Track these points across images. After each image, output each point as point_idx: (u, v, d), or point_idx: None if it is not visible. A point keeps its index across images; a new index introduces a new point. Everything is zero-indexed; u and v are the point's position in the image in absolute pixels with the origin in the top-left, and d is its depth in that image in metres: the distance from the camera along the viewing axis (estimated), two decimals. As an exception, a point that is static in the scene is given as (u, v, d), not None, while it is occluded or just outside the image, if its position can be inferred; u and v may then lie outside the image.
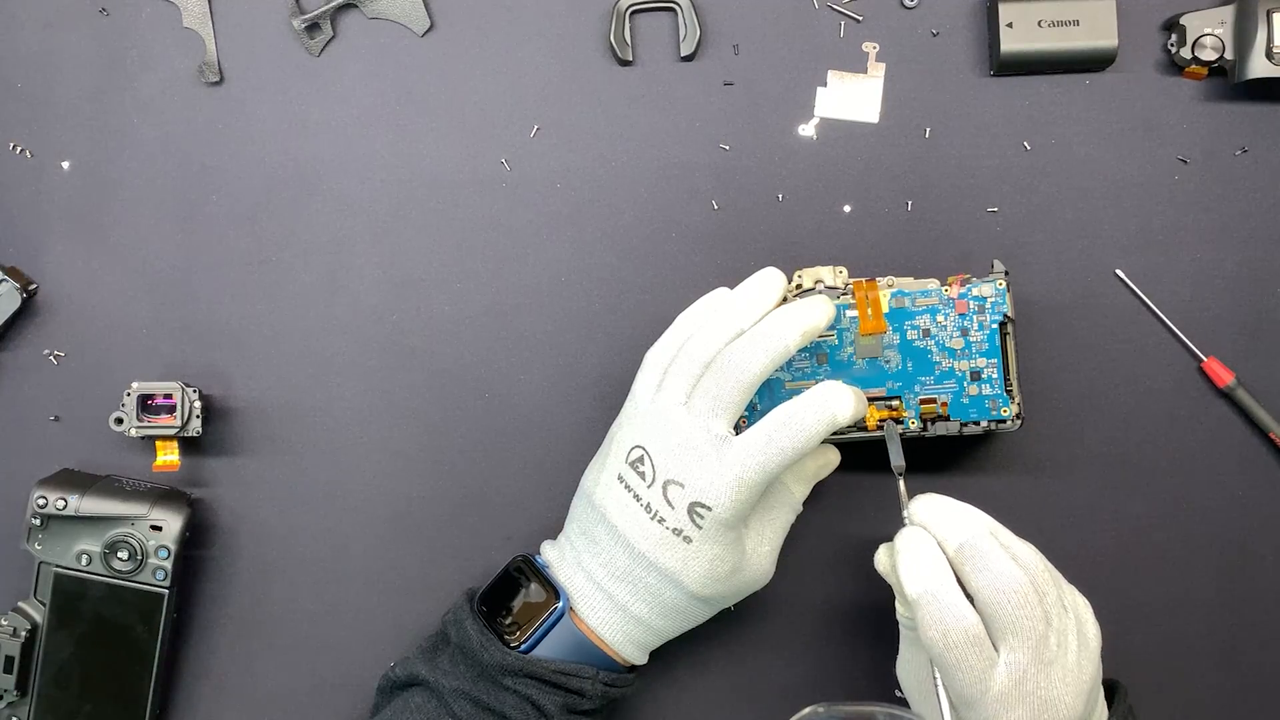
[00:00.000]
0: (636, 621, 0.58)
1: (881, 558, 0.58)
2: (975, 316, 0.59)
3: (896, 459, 0.58)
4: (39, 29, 0.68)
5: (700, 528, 0.55)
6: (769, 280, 0.58)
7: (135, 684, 0.65)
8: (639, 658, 0.60)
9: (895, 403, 0.60)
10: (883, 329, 0.60)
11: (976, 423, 0.60)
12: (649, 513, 0.56)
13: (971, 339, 0.59)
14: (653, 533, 0.56)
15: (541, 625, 0.58)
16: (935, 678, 0.54)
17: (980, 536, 0.54)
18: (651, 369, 0.59)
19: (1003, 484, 0.66)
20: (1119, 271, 0.66)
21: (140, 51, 0.68)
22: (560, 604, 0.58)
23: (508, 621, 0.59)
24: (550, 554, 0.61)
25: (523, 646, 0.58)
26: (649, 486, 0.56)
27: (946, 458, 0.66)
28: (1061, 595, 0.55)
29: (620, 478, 0.57)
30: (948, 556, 0.54)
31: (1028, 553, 0.55)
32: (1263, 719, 0.66)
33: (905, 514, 0.57)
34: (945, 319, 0.60)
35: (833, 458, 0.63)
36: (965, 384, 0.60)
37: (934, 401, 0.60)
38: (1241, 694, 0.66)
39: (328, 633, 0.68)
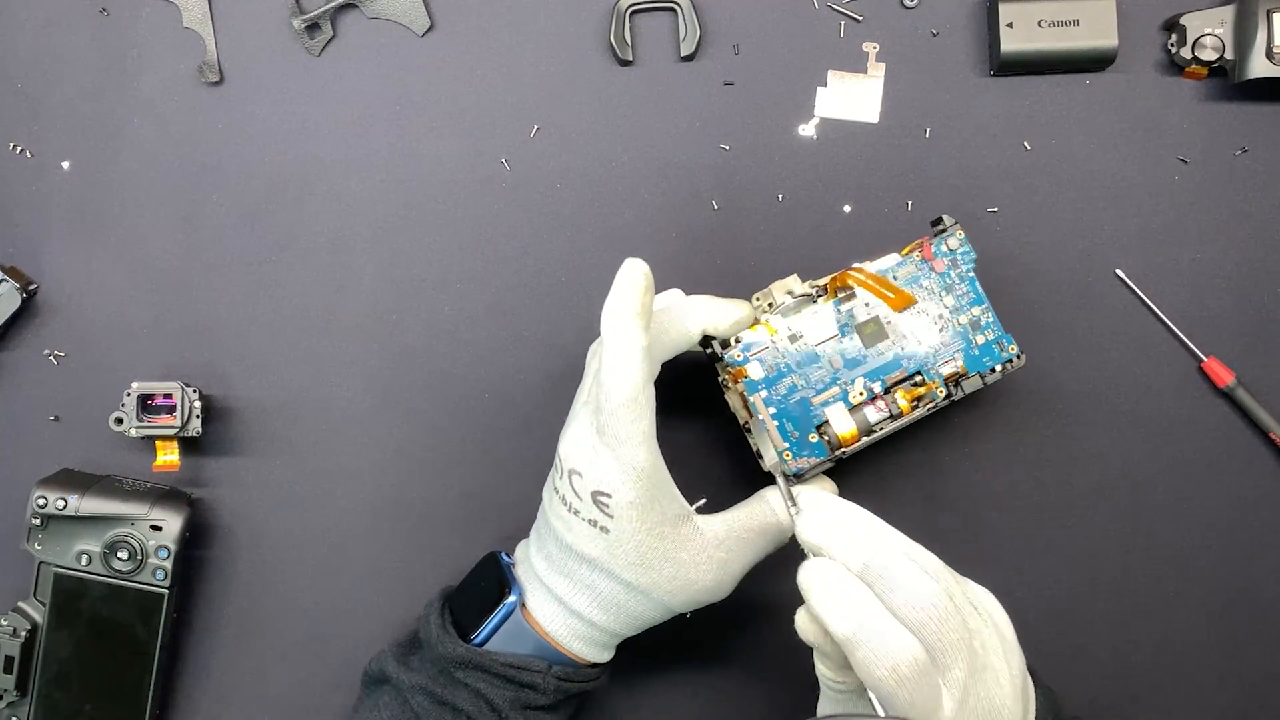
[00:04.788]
0: (578, 617, 0.57)
1: (804, 622, 0.50)
2: (952, 271, 0.60)
3: (769, 455, 0.57)
4: (39, 29, 0.68)
5: (612, 515, 0.54)
6: (628, 271, 0.54)
7: (135, 684, 0.65)
8: (596, 655, 0.59)
9: (919, 378, 0.59)
10: (912, 299, 0.59)
11: (993, 369, 0.60)
12: (565, 505, 0.56)
13: (957, 292, 0.60)
14: (573, 525, 0.56)
15: (493, 619, 0.58)
16: None
17: (883, 551, 0.49)
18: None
19: (1003, 483, 0.66)
20: (1119, 271, 0.66)
21: (140, 51, 0.68)
22: (512, 598, 0.58)
23: (471, 617, 0.59)
24: (518, 552, 0.61)
25: (476, 639, 0.58)
26: (561, 479, 0.56)
27: (948, 459, 0.66)
28: (967, 593, 0.51)
29: (552, 473, 0.58)
30: None
31: (928, 558, 0.50)
32: (1263, 719, 0.66)
33: (792, 513, 0.54)
34: (929, 282, 0.60)
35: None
36: (970, 336, 0.60)
37: (953, 363, 0.60)
38: (1242, 694, 0.66)
39: (328, 632, 0.68)
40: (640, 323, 0.53)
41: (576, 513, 0.55)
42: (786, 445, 0.58)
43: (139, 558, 0.63)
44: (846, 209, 0.67)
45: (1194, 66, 0.65)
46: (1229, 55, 0.64)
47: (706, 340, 0.59)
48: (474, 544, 0.67)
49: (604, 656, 0.59)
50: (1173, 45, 0.65)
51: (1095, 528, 0.66)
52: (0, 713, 0.65)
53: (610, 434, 0.54)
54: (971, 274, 0.60)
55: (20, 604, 0.65)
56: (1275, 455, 0.66)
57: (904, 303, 0.59)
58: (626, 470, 0.54)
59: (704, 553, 0.57)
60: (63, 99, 0.68)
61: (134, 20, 0.67)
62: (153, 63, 0.68)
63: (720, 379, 0.61)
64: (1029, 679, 0.53)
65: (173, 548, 0.63)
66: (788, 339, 0.58)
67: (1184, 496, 0.66)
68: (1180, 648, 0.66)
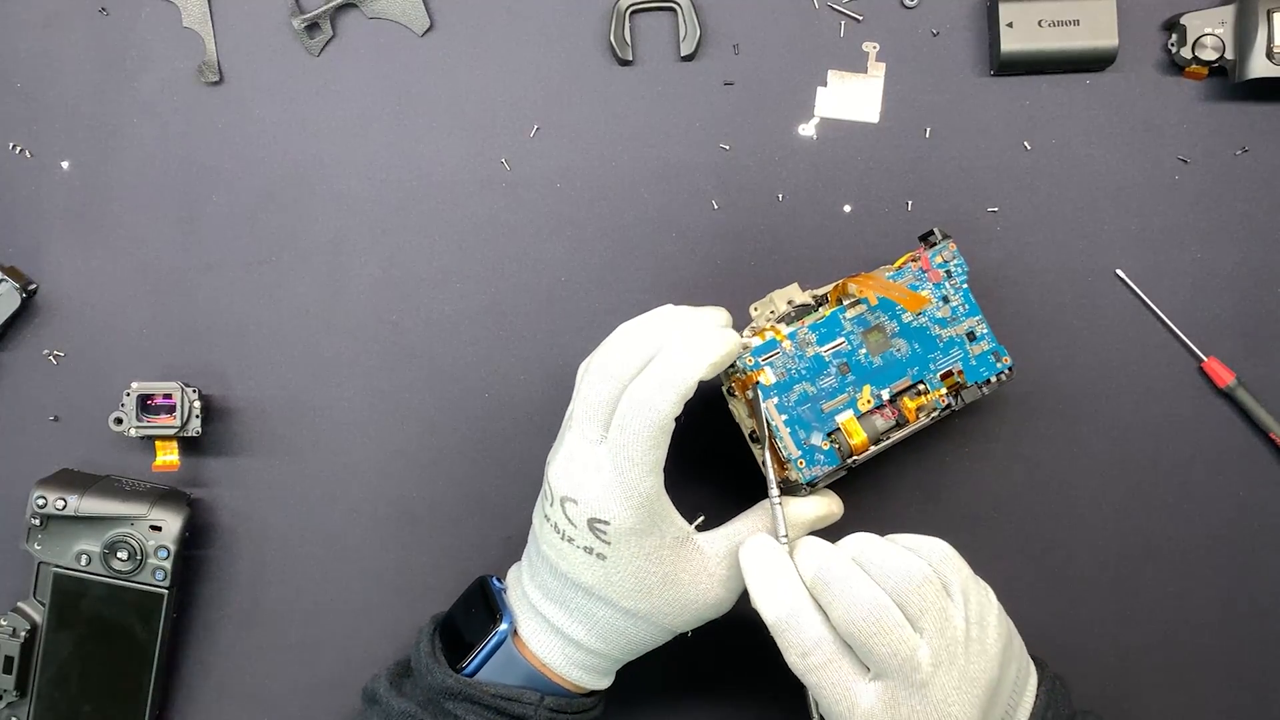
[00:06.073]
0: (575, 645, 0.56)
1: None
2: (946, 282, 0.59)
3: (761, 430, 0.56)
4: (39, 29, 0.68)
5: (609, 543, 0.53)
6: (723, 340, 0.55)
7: (135, 684, 0.65)
8: (593, 682, 0.58)
9: (921, 387, 0.59)
10: (927, 299, 0.59)
11: (988, 380, 0.60)
12: (558, 533, 0.54)
13: (952, 303, 0.59)
14: (567, 553, 0.54)
15: (484, 648, 0.56)
16: (811, 708, 0.54)
17: (833, 561, 0.52)
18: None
19: (1003, 484, 0.66)
20: (1119, 271, 0.66)
21: (140, 51, 0.68)
22: (503, 627, 0.56)
23: (461, 645, 0.58)
24: (510, 577, 0.60)
25: (467, 669, 0.56)
26: (552, 505, 0.55)
27: (948, 459, 0.66)
28: (965, 602, 0.51)
29: (541, 499, 0.57)
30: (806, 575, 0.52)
31: (900, 563, 0.51)
32: (1263, 719, 0.66)
33: (783, 542, 0.54)
34: (925, 293, 0.59)
35: (835, 509, 0.59)
36: (967, 347, 0.59)
37: (952, 374, 0.59)
38: (1242, 694, 0.66)
39: (327, 632, 0.68)
40: (704, 375, 0.53)
41: (571, 540, 0.54)
42: (800, 453, 0.57)
43: (139, 558, 0.63)
44: (846, 209, 0.67)
45: (1194, 66, 0.65)
46: (1229, 55, 0.64)
47: None
48: (474, 544, 0.67)
49: (603, 683, 0.58)
50: (1173, 45, 0.65)
51: (1095, 528, 0.66)
52: (0, 713, 0.65)
53: (624, 456, 0.53)
54: (965, 285, 0.59)
55: (20, 604, 0.65)
56: (1275, 455, 0.66)
57: (920, 304, 0.58)
58: (630, 495, 0.53)
59: (705, 571, 0.56)
60: (63, 99, 0.68)
61: (134, 20, 0.67)
62: (153, 63, 0.68)
63: (725, 387, 0.60)
64: (1022, 677, 0.54)
65: (172, 548, 0.63)
66: (797, 345, 0.58)
67: (1184, 496, 0.66)
68: (1181, 648, 0.66)
